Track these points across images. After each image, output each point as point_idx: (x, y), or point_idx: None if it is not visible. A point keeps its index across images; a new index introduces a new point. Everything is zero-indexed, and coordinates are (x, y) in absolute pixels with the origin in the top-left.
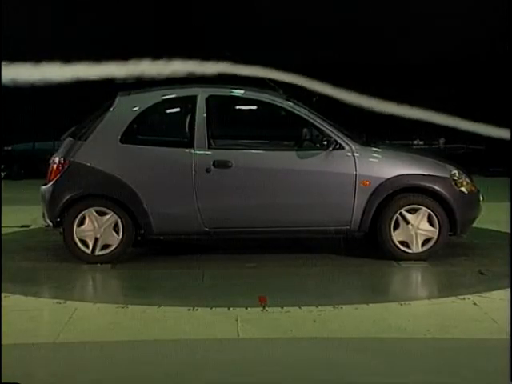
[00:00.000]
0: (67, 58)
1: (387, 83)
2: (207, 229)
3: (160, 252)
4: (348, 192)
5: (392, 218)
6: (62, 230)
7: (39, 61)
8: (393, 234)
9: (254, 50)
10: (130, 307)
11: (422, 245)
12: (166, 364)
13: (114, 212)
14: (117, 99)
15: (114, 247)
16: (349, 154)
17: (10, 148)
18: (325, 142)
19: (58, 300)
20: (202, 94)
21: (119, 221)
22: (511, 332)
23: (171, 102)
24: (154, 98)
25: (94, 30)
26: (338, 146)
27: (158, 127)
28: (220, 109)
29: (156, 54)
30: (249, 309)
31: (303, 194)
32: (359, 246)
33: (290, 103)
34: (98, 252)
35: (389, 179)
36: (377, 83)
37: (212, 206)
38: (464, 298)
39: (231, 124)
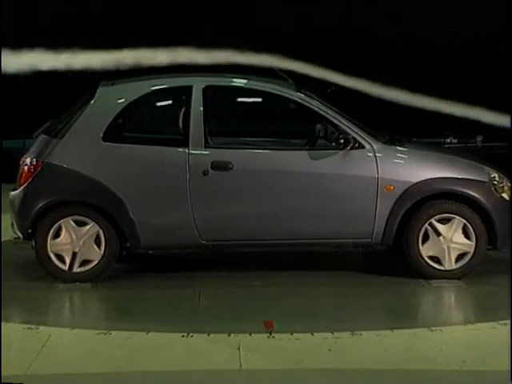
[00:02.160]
0: (45, 45)
1: (414, 73)
2: (204, 241)
3: (149, 269)
4: (369, 198)
5: (420, 230)
6: (34, 242)
7: (13, 48)
8: (421, 247)
9: (259, 36)
10: (114, 333)
11: (456, 260)
12: None
13: (95, 222)
14: (98, 90)
15: (94, 263)
16: (370, 153)
17: None
18: (341, 140)
19: (29, 325)
20: (197, 83)
21: (101, 232)
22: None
23: (162, 94)
24: (141, 88)
25: (76, 16)
26: (356, 144)
27: (147, 123)
28: (219, 101)
29: (146, 41)
30: (253, 335)
31: (316, 201)
32: (382, 261)
33: (301, 95)
34: (76, 269)
35: (417, 183)
36: (402, 73)
37: (210, 214)
38: (505, 324)
39: (232, 119)
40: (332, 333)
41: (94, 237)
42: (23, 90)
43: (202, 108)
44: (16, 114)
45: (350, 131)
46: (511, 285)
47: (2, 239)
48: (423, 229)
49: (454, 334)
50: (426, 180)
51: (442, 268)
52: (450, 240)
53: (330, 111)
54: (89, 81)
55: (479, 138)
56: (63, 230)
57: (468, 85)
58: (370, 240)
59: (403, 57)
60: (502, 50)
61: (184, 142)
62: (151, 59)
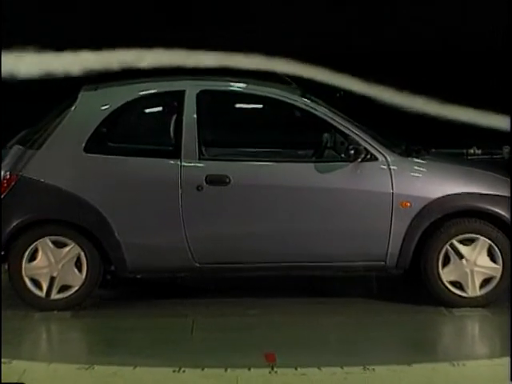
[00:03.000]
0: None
1: (431, 75)
2: (198, 264)
3: (136, 295)
4: (382, 216)
5: (441, 251)
6: (7, 266)
7: None
8: (442, 271)
9: (258, 37)
10: (97, 368)
11: (481, 286)
12: None
13: (76, 243)
14: (80, 95)
15: (75, 289)
16: (383, 166)
17: None
18: (352, 151)
19: (2, 359)
20: (191, 88)
21: (82, 254)
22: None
23: (151, 99)
24: (128, 93)
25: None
26: (369, 156)
27: (135, 132)
28: (215, 108)
29: (133, 40)
30: (252, 370)
31: (323, 219)
32: (397, 287)
33: (307, 100)
34: (54, 295)
35: (436, 200)
36: (418, 76)
37: (205, 234)
38: None
39: (229, 127)
40: (341, 367)
41: (75, 259)
42: None
43: (195, 115)
44: None
45: (361, 141)
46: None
47: None
48: (444, 250)
49: (478, 368)
50: (447, 196)
51: (465, 295)
52: (474, 263)
53: (338, 119)
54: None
55: (506, 149)
56: (40, 252)
57: (491, 88)
58: (383, 263)
59: (415, 58)
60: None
61: (175, 154)
62: (139, 61)
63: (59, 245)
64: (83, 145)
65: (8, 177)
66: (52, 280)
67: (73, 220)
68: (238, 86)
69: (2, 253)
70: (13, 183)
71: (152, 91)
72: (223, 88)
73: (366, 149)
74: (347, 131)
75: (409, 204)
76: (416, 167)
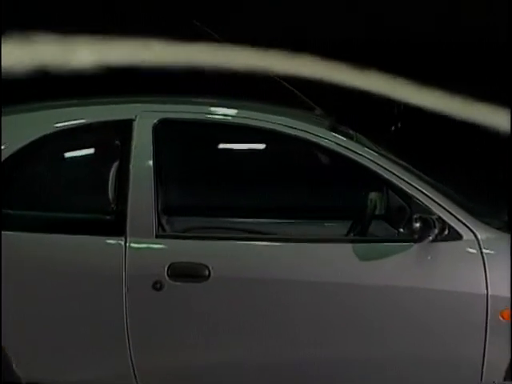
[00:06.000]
0: None
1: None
2: None
3: None
4: (470, 335)
5: None
6: None
7: None
8: None
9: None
10: None
11: None
12: None
13: None
14: None
15: None
16: (471, 249)
17: None
18: (418, 224)
19: None
20: (143, 116)
21: None
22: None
23: (77, 136)
24: (38, 126)
25: None
26: (446, 231)
27: (48, 190)
28: (184, 149)
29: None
30: None
31: (369, 340)
32: None
33: (340, 137)
34: None
35: None
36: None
37: (164, 365)
38: None
39: (209, 182)
40: None
41: None
42: None
43: (151, 162)
44: None
45: (433, 206)
46: None
47: None
48: None
49: None
50: None
51: None
52: None
53: (394, 168)
54: None
55: None
56: None
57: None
58: None
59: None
60: None
61: (117, 227)
62: (68, 61)
63: None
64: None
65: None
66: None
67: None
68: (222, 112)
69: None
70: None
71: (78, 121)
72: (197, 116)
73: (441, 219)
74: (409, 189)
75: None
76: None
